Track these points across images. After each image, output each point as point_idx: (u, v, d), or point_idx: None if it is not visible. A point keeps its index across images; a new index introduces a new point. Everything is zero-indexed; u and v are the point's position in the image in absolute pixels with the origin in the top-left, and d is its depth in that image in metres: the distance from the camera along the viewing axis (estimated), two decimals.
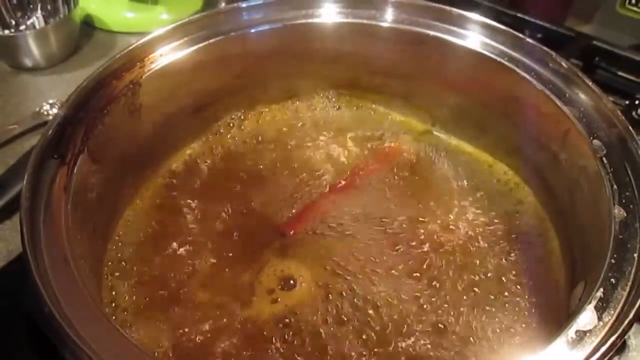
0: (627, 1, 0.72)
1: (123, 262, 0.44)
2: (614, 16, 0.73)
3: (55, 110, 0.66)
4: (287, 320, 0.41)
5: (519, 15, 0.77)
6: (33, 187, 0.37)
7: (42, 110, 0.66)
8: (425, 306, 0.42)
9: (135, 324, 0.41)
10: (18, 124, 0.64)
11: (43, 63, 0.71)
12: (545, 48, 0.48)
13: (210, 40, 0.49)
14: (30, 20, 0.75)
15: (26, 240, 0.34)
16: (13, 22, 0.74)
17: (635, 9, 0.72)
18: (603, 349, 0.30)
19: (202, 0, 0.80)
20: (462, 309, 0.42)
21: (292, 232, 0.47)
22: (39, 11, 0.75)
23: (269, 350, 0.39)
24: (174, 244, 0.46)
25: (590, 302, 0.32)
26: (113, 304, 0.42)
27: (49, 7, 0.75)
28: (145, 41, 0.47)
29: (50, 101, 0.67)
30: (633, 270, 0.33)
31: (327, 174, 0.52)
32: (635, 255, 0.34)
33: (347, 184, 0.51)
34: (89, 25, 0.78)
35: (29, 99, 0.68)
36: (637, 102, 0.69)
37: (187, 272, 0.44)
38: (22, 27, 0.75)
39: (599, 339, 0.31)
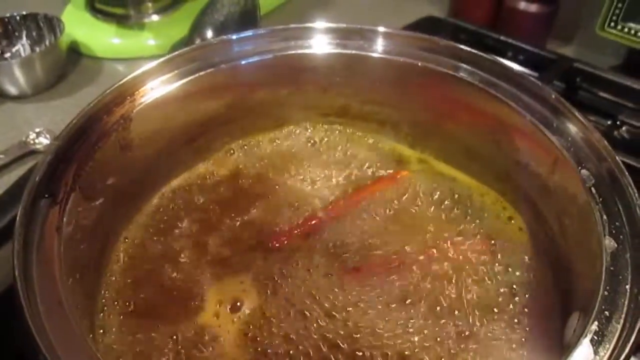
0: (607, 24, 0.74)
1: (116, 302, 0.44)
2: (594, 38, 0.75)
3: (42, 139, 0.66)
4: None
5: (501, 38, 0.79)
6: (25, 228, 0.36)
7: (28, 139, 0.66)
8: (410, 333, 0.42)
9: None
10: (4, 153, 0.63)
11: (29, 91, 0.71)
12: (529, 74, 0.49)
13: (201, 73, 0.49)
14: (16, 48, 0.75)
15: (19, 284, 0.33)
16: None
17: (614, 31, 0.74)
18: None
19: (190, 26, 0.80)
20: (452, 336, 0.42)
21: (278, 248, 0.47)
22: (25, 39, 0.75)
23: None
24: (167, 276, 0.45)
25: (585, 336, 0.33)
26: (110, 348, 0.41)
27: (34, 34, 0.74)
28: (136, 75, 0.46)
29: (37, 130, 0.66)
30: (626, 303, 0.34)
31: (316, 202, 0.52)
32: (627, 287, 0.35)
33: (336, 213, 0.51)
34: (75, 52, 0.78)
35: (15, 128, 0.68)
36: (618, 122, 0.71)
37: (181, 305, 0.44)
38: (7, 55, 0.74)
39: None
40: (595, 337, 0.32)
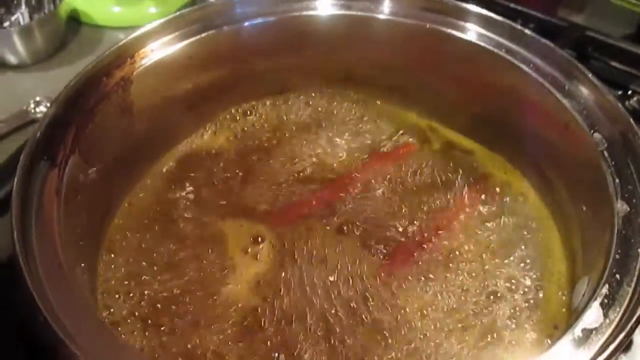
0: None
1: (118, 264, 0.43)
2: (607, 6, 0.73)
3: (42, 108, 0.65)
4: None
5: (511, 5, 0.77)
6: (23, 191, 0.36)
7: (29, 109, 0.65)
8: (425, 301, 0.42)
9: (130, 328, 0.40)
10: (4, 122, 0.63)
11: (29, 60, 0.70)
12: (544, 40, 0.47)
13: (203, 34, 0.48)
14: (15, 16, 0.73)
15: (18, 247, 0.33)
16: None
17: None
18: (611, 347, 0.30)
19: None
20: (464, 298, 0.42)
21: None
22: (24, 7, 0.73)
23: None
24: (169, 244, 0.45)
25: (595, 299, 0.32)
26: (110, 310, 0.41)
27: (33, 2, 0.73)
28: (136, 36, 0.45)
29: (37, 99, 0.65)
30: (638, 266, 0.33)
31: (321, 169, 0.51)
32: (639, 250, 0.34)
33: (342, 182, 0.50)
34: (75, 20, 0.76)
35: (15, 97, 0.67)
36: (629, 92, 0.69)
37: (183, 273, 0.43)
38: (6, 24, 0.73)
39: (605, 337, 0.30)
40: (606, 301, 0.32)
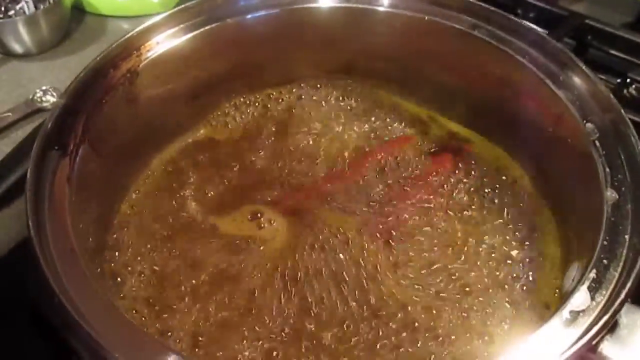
0: None
1: (126, 248, 0.45)
2: None
3: (48, 97, 0.66)
4: None
5: None
6: (36, 180, 0.37)
7: (35, 97, 0.66)
8: (421, 279, 0.43)
9: (140, 309, 0.42)
10: (11, 111, 0.64)
11: (34, 49, 0.70)
12: (539, 30, 0.48)
13: (207, 27, 0.49)
14: (19, 6, 0.74)
15: (33, 233, 0.34)
16: (2, 8, 0.73)
17: None
18: (596, 327, 0.31)
19: None
20: (456, 281, 0.43)
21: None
22: None
23: None
24: (178, 229, 0.47)
25: (583, 283, 0.33)
26: (120, 293, 0.42)
27: None
28: (142, 29, 0.46)
29: (43, 88, 0.66)
30: (624, 252, 0.35)
31: (325, 159, 0.52)
32: (627, 237, 0.35)
33: (345, 172, 0.52)
34: (79, 9, 0.77)
35: (21, 86, 0.68)
36: (628, 80, 0.70)
37: (189, 258, 0.45)
38: (11, 13, 0.73)
39: (592, 318, 0.32)
40: (593, 285, 0.33)
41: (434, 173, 0.51)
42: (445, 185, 0.50)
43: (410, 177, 0.51)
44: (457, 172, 0.51)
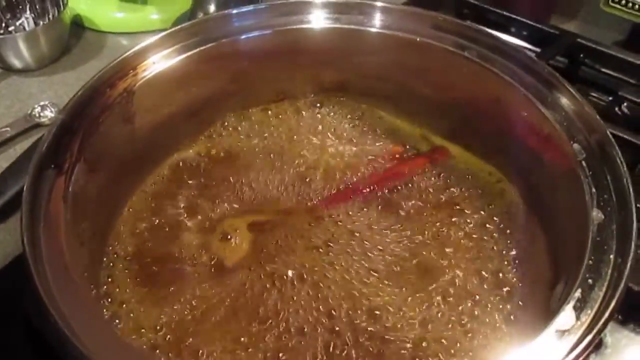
0: None
1: (121, 265, 0.46)
2: (598, 13, 0.75)
3: (47, 113, 0.66)
4: None
5: (504, 13, 0.78)
6: (32, 198, 0.38)
7: (33, 113, 0.66)
8: (407, 299, 0.44)
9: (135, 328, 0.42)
10: (10, 126, 0.64)
11: (33, 64, 0.71)
12: (528, 52, 0.49)
13: (202, 47, 0.49)
14: (19, 22, 0.75)
15: (27, 250, 0.35)
16: (2, 24, 0.74)
17: (618, 6, 0.74)
18: (581, 346, 0.32)
19: (193, 0, 0.80)
20: (449, 299, 0.44)
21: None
22: (28, 12, 0.75)
23: None
24: (171, 247, 0.47)
25: (569, 302, 0.34)
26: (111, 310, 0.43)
27: (37, 8, 0.75)
28: (138, 49, 0.47)
29: (42, 103, 0.67)
30: (609, 271, 0.35)
31: (319, 177, 0.53)
32: (612, 256, 0.36)
33: (338, 190, 0.52)
34: (78, 25, 0.78)
35: (20, 101, 0.68)
36: (620, 98, 0.71)
37: (184, 275, 0.45)
38: (11, 29, 0.74)
39: (576, 337, 0.32)
40: (578, 304, 0.34)
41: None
42: (436, 202, 0.51)
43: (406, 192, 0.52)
44: (446, 190, 0.52)
